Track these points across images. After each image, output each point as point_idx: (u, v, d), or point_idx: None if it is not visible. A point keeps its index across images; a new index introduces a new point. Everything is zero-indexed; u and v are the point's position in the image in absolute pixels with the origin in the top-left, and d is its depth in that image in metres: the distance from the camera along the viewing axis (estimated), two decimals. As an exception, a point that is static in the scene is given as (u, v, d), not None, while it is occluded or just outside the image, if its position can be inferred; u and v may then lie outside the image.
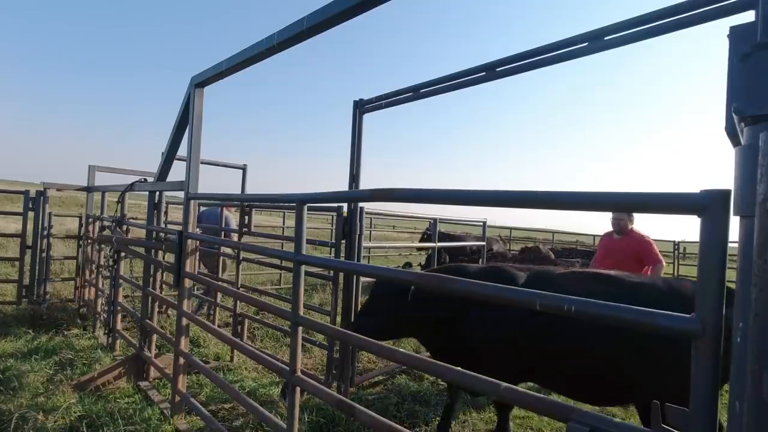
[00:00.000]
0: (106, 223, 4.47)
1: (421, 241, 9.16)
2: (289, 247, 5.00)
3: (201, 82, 2.93)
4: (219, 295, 4.98)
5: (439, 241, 4.82)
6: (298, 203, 1.99)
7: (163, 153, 3.58)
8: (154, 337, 3.68)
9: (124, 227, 4.17)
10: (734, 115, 0.84)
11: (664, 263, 4.13)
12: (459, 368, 1.32)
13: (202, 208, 6.05)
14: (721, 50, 0.93)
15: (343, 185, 4.09)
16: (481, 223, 5.68)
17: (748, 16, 1.81)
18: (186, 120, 3.15)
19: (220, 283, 4.35)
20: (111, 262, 4.06)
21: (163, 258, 3.71)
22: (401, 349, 1.53)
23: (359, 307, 3.49)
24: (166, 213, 4.34)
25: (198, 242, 3.23)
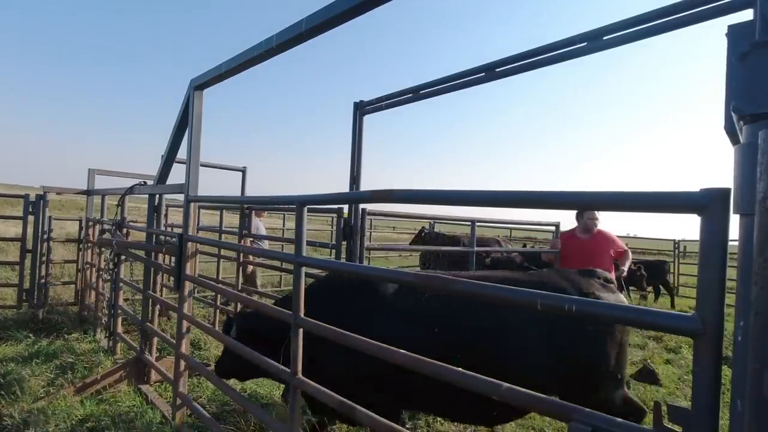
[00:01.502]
0: (106, 227, 4.47)
1: (416, 240, 8.94)
2: (290, 249, 4.99)
3: (200, 84, 2.92)
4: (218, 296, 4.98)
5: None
6: (298, 205, 1.99)
7: (162, 156, 3.58)
8: (155, 340, 3.68)
9: (124, 230, 4.17)
10: (733, 114, 0.84)
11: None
12: (459, 369, 1.31)
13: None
14: (718, 48, 0.93)
15: (343, 185, 4.09)
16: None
17: (747, 15, 1.81)
18: (185, 122, 3.14)
19: (219, 285, 4.35)
20: (111, 266, 4.06)
21: (164, 261, 3.71)
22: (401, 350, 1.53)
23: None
24: (166, 216, 4.35)
25: (198, 245, 3.23)
